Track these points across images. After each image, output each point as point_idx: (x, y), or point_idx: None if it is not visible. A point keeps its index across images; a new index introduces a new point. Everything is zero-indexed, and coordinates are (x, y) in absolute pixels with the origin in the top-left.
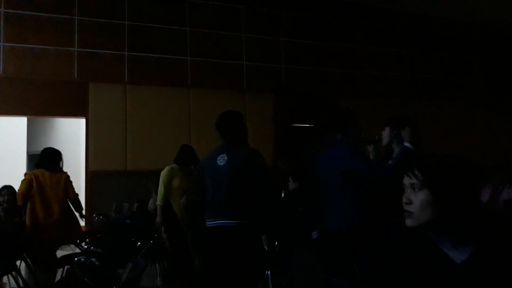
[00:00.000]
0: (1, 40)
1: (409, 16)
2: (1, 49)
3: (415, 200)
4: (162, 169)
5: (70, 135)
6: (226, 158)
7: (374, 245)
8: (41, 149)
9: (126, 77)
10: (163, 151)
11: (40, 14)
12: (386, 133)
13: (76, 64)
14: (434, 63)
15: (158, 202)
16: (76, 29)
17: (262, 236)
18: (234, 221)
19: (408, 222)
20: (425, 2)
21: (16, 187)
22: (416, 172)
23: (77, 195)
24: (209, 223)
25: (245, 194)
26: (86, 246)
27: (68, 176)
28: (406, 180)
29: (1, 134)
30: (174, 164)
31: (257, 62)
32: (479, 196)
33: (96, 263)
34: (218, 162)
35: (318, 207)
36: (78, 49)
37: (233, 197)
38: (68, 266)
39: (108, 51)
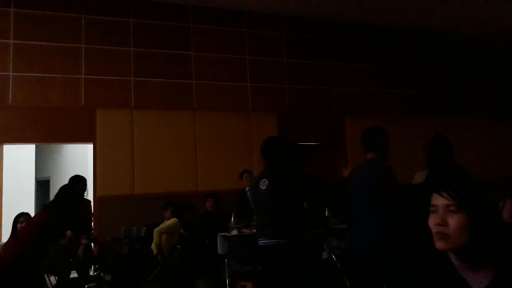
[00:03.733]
0: (10, 70)
1: (409, 33)
2: (11, 79)
3: (452, 222)
4: (170, 192)
5: (78, 161)
6: (267, 182)
7: (397, 266)
8: (50, 175)
9: (132, 102)
10: (170, 174)
11: (47, 43)
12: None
13: (83, 91)
14: (435, 79)
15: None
16: (82, 56)
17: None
18: (275, 241)
19: (441, 244)
20: (424, 19)
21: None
22: (452, 193)
23: None
24: (260, 242)
25: (286, 215)
26: (96, 272)
27: None
28: (439, 201)
29: (10, 161)
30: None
31: (261, 83)
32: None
33: None
34: (261, 186)
35: (348, 223)
36: (85, 76)
37: (275, 218)
38: None
39: (114, 77)
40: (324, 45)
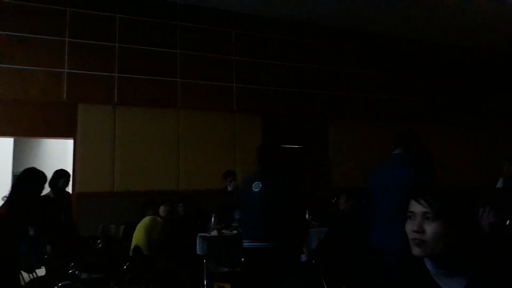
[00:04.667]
0: None
1: (396, 40)
2: None
3: (429, 229)
4: (150, 191)
5: (57, 156)
6: (260, 185)
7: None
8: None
9: (115, 98)
10: (151, 172)
11: (30, 35)
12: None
13: (65, 85)
14: (421, 86)
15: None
16: (66, 50)
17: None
18: (266, 244)
19: (417, 251)
20: (413, 27)
21: None
22: (430, 201)
23: None
24: (245, 244)
25: (278, 219)
26: (70, 271)
27: None
28: (417, 208)
29: None
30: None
31: (247, 84)
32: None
33: None
34: (253, 188)
35: (368, 222)
36: (68, 70)
37: (266, 222)
38: None
39: (97, 73)
40: (311, 49)
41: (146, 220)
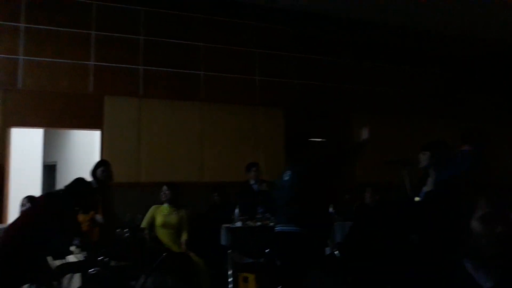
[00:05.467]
0: (20, 54)
1: (421, 34)
2: (21, 63)
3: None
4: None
5: (85, 147)
6: (290, 173)
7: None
8: (57, 160)
9: (140, 90)
10: (176, 163)
11: (58, 28)
12: (425, 157)
13: (92, 78)
14: (448, 82)
15: None
16: (92, 43)
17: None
18: (294, 228)
19: None
20: (436, 21)
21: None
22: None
23: None
24: (277, 228)
25: (305, 204)
26: (100, 258)
27: None
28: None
29: (19, 145)
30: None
31: (269, 77)
32: None
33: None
34: (284, 177)
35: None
36: (94, 63)
37: (293, 208)
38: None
39: (123, 65)
40: (334, 42)
41: (148, 211)
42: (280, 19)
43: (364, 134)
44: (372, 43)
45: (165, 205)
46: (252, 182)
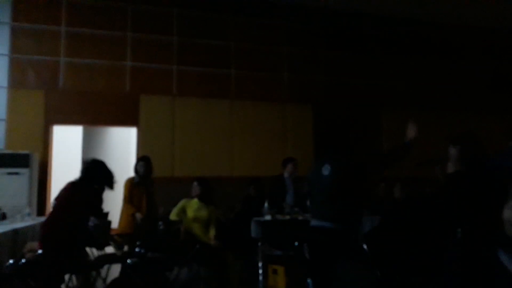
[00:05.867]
0: (61, 56)
1: (451, 28)
2: (62, 64)
3: None
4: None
5: (122, 144)
6: (329, 167)
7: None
8: (95, 155)
9: (174, 89)
10: (208, 159)
11: (96, 31)
12: (455, 151)
13: (128, 77)
14: (478, 75)
15: None
16: (128, 44)
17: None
18: (333, 224)
19: None
20: (466, 15)
21: None
22: None
23: None
24: (313, 223)
25: (346, 202)
26: (137, 249)
27: None
28: None
29: (60, 142)
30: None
31: (298, 74)
32: None
33: (147, 266)
34: (323, 171)
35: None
36: (130, 63)
37: (334, 203)
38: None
39: (158, 65)
40: (363, 39)
41: (179, 203)
42: (307, 17)
43: (411, 132)
44: (402, 39)
45: (195, 200)
46: (286, 175)
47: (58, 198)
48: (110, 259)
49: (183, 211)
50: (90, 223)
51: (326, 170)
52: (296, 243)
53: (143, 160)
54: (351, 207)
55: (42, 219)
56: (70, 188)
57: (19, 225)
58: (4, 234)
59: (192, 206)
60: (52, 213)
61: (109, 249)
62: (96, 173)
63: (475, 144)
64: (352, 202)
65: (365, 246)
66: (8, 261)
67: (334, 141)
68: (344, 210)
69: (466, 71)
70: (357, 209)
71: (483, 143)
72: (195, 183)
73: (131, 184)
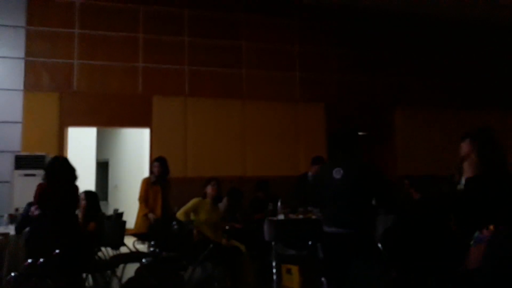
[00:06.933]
0: (75, 58)
1: (464, 26)
2: (75, 66)
3: None
4: (220, 176)
5: (135, 145)
6: (342, 171)
7: None
8: (109, 157)
9: (186, 90)
10: (221, 159)
11: (109, 32)
12: (466, 145)
13: (141, 79)
14: (493, 73)
15: None
16: (140, 46)
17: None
18: (347, 229)
19: None
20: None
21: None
22: None
23: None
24: (328, 229)
25: (359, 205)
26: (152, 249)
27: None
28: None
29: (74, 143)
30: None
31: (310, 72)
32: None
33: (162, 265)
34: (334, 175)
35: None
36: (143, 64)
37: (349, 208)
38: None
39: (170, 66)
40: (375, 36)
41: (190, 202)
42: (318, 15)
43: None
44: (415, 36)
45: (208, 201)
46: (310, 174)
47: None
48: (125, 259)
49: (194, 211)
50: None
51: (337, 174)
52: (310, 243)
53: (158, 160)
54: (367, 211)
55: None
56: (40, 189)
57: None
58: (22, 235)
59: (205, 208)
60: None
61: (124, 249)
62: (54, 169)
63: (492, 141)
64: (367, 205)
65: (380, 246)
66: (26, 261)
67: (346, 141)
68: (360, 214)
69: (481, 67)
70: (373, 211)
71: (501, 140)
72: (213, 183)
73: (146, 184)
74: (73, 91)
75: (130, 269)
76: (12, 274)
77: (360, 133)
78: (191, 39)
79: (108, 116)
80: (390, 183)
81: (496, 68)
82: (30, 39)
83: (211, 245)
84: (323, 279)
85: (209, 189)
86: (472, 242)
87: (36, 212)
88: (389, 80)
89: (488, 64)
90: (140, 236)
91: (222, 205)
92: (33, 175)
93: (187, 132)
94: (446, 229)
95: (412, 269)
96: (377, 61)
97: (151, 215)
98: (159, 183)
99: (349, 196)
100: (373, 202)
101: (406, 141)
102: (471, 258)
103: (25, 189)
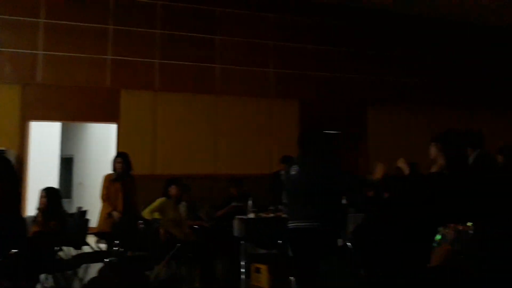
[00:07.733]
0: (40, 49)
1: (434, 22)
2: (40, 57)
3: None
4: (190, 174)
5: (101, 140)
6: (297, 168)
7: None
8: (74, 153)
9: (156, 84)
10: (191, 156)
11: (76, 23)
12: (435, 149)
13: (109, 71)
14: (463, 70)
15: None
16: (110, 37)
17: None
18: (305, 223)
19: None
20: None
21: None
22: None
23: None
24: (290, 225)
25: (317, 201)
26: (116, 248)
27: None
28: None
29: (37, 138)
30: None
31: (284, 69)
32: None
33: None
34: (291, 171)
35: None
36: (111, 57)
37: (302, 203)
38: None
39: (140, 59)
40: (349, 33)
41: (157, 201)
42: (295, 10)
43: (378, 174)
44: (389, 33)
45: (173, 200)
46: (282, 172)
47: None
48: (88, 258)
49: (160, 210)
50: None
51: (293, 171)
52: (280, 241)
53: (119, 156)
54: (327, 206)
55: None
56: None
57: None
58: None
59: (171, 207)
60: None
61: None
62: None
63: (457, 142)
64: (327, 201)
65: (349, 244)
66: None
67: (306, 141)
68: (317, 209)
69: (455, 66)
70: (337, 208)
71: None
72: (173, 186)
73: (108, 181)
74: (37, 83)
75: (93, 269)
76: None
77: (331, 132)
78: (163, 32)
79: (74, 110)
80: (356, 179)
81: (471, 66)
82: None
83: (178, 244)
84: (292, 278)
85: (173, 190)
86: (435, 244)
87: None
88: (364, 78)
89: (463, 63)
90: (103, 235)
91: (181, 205)
92: None
93: (156, 128)
94: (413, 227)
95: (380, 266)
96: (353, 58)
97: (115, 213)
98: (121, 180)
99: (305, 192)
100: (343, 201)
101: (379, 139)
102: (435, 256)
103: None
